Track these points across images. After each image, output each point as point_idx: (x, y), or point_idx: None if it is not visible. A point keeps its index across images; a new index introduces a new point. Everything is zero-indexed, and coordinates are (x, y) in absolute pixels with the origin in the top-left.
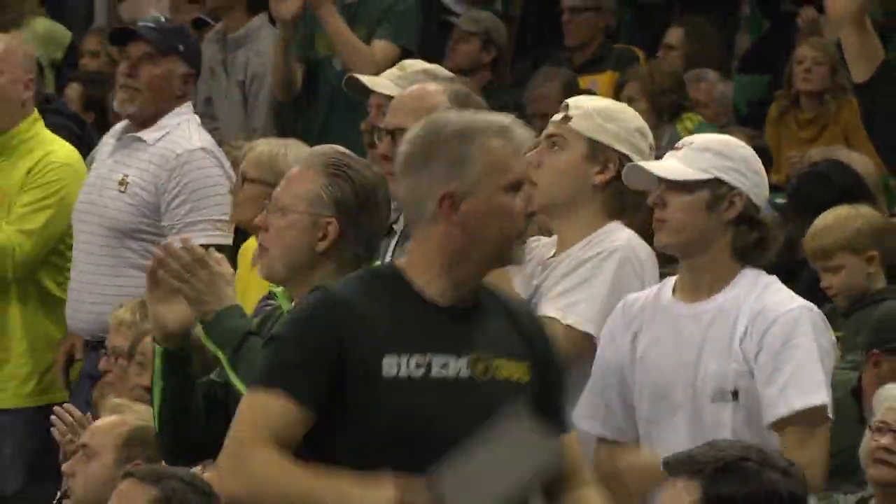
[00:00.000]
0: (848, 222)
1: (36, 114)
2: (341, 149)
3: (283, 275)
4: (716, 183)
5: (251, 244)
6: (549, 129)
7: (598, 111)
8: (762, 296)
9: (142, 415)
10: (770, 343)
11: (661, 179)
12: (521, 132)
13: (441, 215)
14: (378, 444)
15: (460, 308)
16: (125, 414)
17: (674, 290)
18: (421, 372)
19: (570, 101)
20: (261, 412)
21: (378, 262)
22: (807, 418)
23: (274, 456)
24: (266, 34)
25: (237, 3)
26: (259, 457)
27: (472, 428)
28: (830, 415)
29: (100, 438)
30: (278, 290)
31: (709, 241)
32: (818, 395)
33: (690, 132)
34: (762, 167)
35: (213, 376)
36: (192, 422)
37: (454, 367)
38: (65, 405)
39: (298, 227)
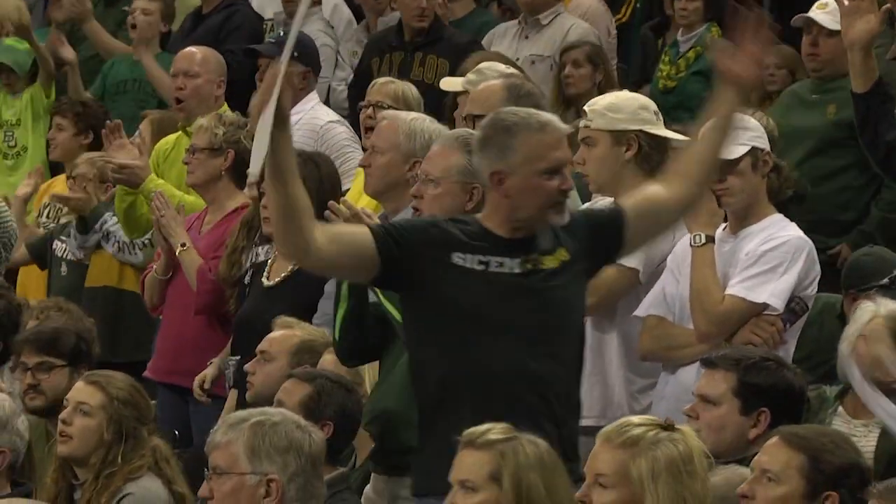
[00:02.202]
0: None
1: (225, 106)
2: (469, 130)
3: None
4: (752, 150)
5: None
6: (581, 133)
7: (606, 108)
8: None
9: (307, 329)
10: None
11: None
12: (560, 127)
13: (492, 186)
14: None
15: (518, 238)
16: (294, 328)
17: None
18: (482, 267)
19: (586, 107)
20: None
21: None
22: None
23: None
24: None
25: None
26: None
27: (522, 309)
28: None
29: (277, 346)
30: None
31: (757, 192)
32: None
33: None
34: None
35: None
36: (367, 331)
37: (508, 265)
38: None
39: (452, 193)
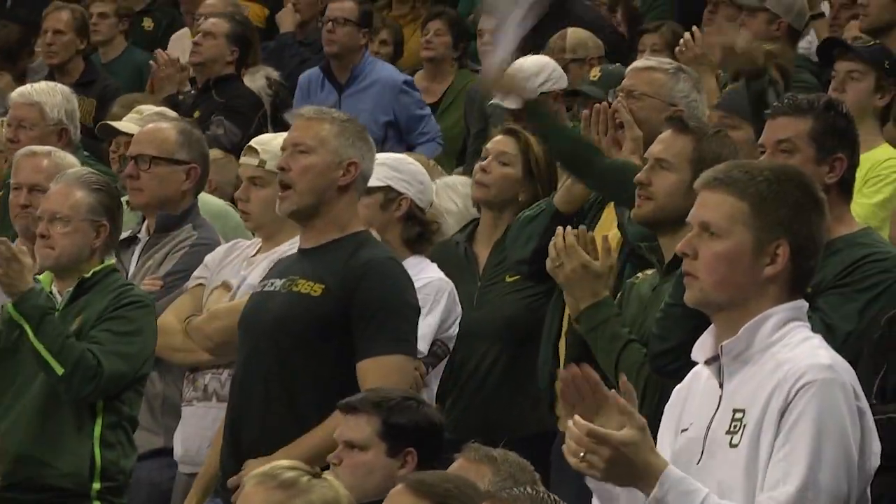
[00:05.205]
0: None
1: None
2: (89, 169)
3: (67, 265)
4: (387, 189)
5: None
6: (249, 171)
7: None
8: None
9: None
10: None
11: None
12: None
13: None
14: None
15: (304, 249)
16: None
17: None
18: (260, 288)
19: (257, 145)
20: None
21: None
22: None
23: None
24: None
25: None
26: None
27: (264, 323)
28: None
29: None
30: (42, 276)
31: (383, 232)
32: None
33: None
34: (429, 179)
35: None
36: None
37: (276, 284)
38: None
39: (82, 230)
